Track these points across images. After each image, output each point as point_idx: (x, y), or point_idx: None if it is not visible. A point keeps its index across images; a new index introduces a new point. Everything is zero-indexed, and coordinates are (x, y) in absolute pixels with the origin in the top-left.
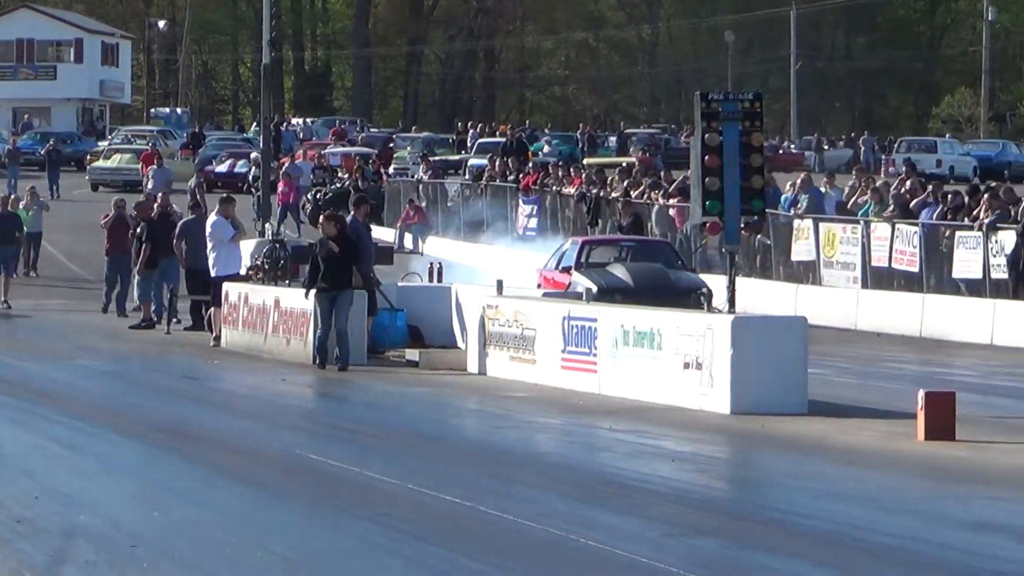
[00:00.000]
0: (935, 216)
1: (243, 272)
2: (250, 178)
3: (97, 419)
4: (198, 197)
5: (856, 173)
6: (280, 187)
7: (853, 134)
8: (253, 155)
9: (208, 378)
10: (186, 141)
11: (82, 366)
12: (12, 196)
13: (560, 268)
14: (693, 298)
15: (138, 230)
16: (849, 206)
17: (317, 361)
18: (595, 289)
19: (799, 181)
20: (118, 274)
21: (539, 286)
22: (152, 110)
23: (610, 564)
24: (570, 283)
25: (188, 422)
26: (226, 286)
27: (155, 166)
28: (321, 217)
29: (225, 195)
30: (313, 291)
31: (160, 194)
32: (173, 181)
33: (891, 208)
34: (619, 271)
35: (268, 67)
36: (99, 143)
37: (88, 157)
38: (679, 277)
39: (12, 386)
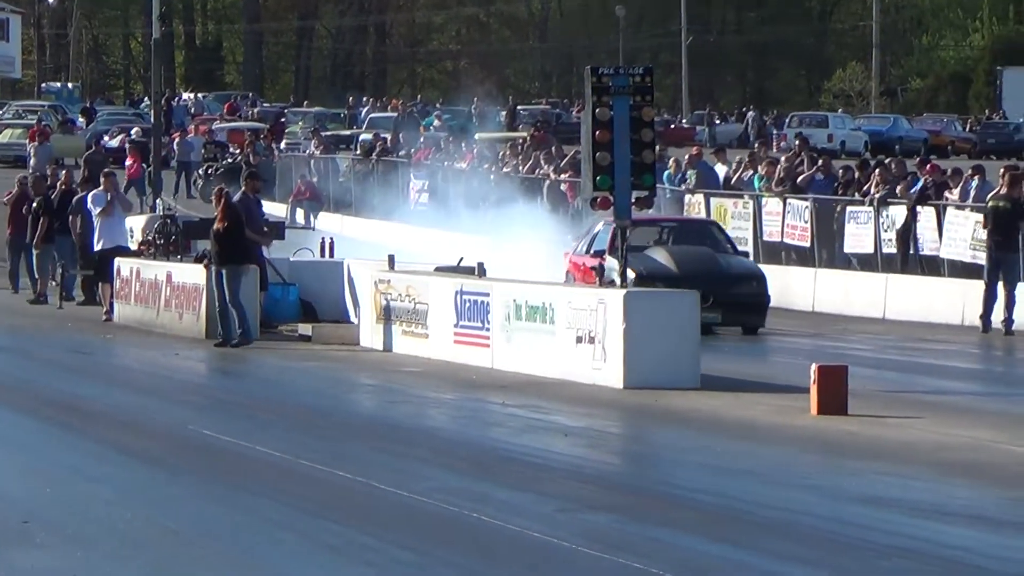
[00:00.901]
0: (828, 191)
1: (134, 247)
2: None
3: None
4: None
5: (758, 147)
6: (128, 161)
7: (745, 109)
8: (135, 130)
9: (101, 353)
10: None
11: None
12: None
13: (592, 252)
14: (748, 286)
15: (34, 205)
16: (733, 181)
17: (220, 335)
18: (634, 277)
19: (688, 156)
20: (21, 251)
21: (567, 273)
22: (43, 85)
23: (503, 539)
24: (602, 269)
25: (81, 397)
26: (118, 261)
27: (35, 143)
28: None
29: (107, 169)
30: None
31: (64, 170)
32: (55, 157)
33: (782, 183)
34: (660, 255)
35: (158, 41)
36: None
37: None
38: (730, 262)
39: None
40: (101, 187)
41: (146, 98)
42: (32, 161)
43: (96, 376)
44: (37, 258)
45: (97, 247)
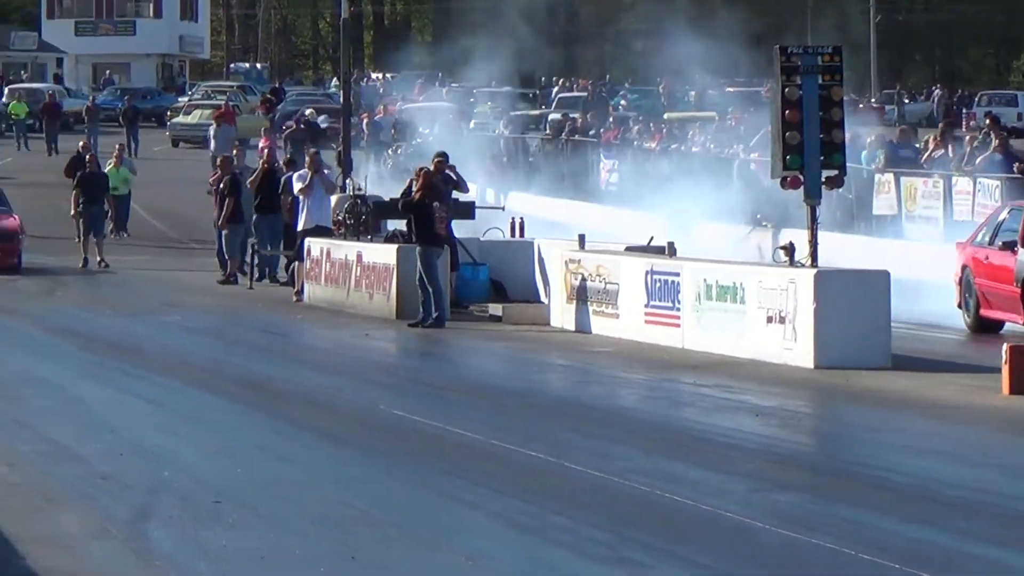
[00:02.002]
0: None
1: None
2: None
3: (181, 375)
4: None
5: (944, 126)
6: (262, 143)
7: (933, 88)
8: (308, 111)
9: (291, 333)
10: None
11: (166, 322)
12: (89, 155)
13: (999, 244)
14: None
15: (221, 185)
16: (923, 160)
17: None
18: None
19: (875, 136)
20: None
21: (964, 268)
22: (231, 65)
23: (695, 519)
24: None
25: (272, 378)
26: (308, 241)
27: (214, 125)
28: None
29: (313, 149)
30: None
31: (267, 150)
32: (237, 139)
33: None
34: None
35: (347, 21)
36: (179, 99)
37: (168, 113)
38: None
39: (96, 342)
40: (305, 166)
41: (335, 79)
42: (212, 143)
43: (287, 357)
44: (225, 238)
45: (300, 227)
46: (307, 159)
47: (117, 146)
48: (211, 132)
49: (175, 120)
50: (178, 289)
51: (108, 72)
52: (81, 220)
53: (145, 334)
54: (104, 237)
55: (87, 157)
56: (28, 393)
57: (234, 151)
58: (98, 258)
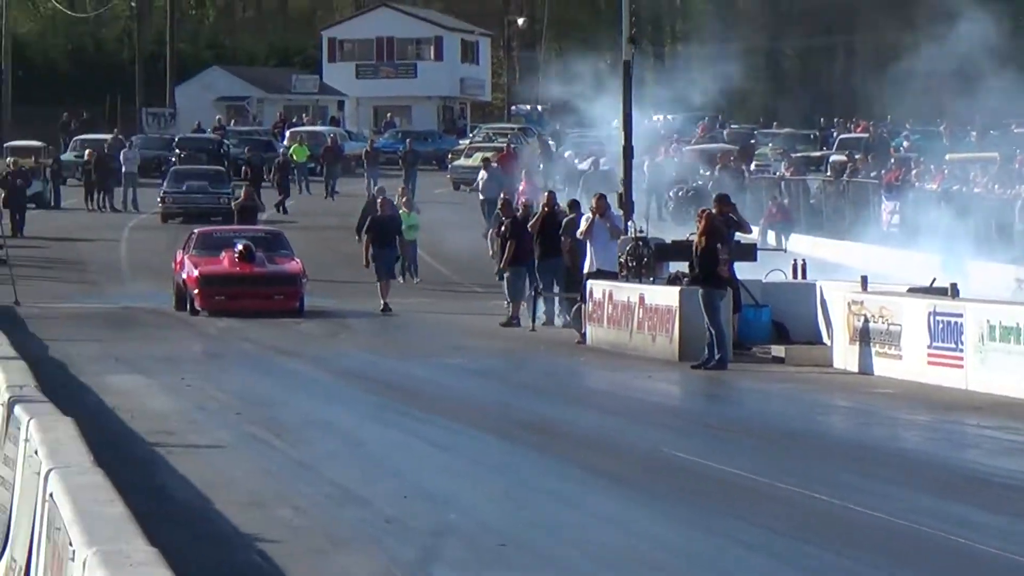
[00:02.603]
0: None
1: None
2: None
3: (464, 417)
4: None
5: None
6: (522, 186)
7: None
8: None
9: (574, 376)
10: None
11: (449, 365)
12: (381, 198)
13: None
14: None
15: (501, 228)
16: None
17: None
18: None
19: None
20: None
21: None
22: (512, 107)
23: (978, 561)
24: None
25: (555, 420)
26: (590, 283)
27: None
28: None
29: (599, 194)
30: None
31: (547, 192)
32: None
33: None
34: None
35: (628, 63)
36: (460, 141)
37: (449, 156)
38: None
39: (380, 385)
40: (592, 209)
41: (615, 120)
42: (480, 185)
43: (570, 399)
44: (507, 281)
45: (584, 269)
46: (592, 202)
47: (400, 188)
48: (480, 176)
49: (456, 163)
50: (461, 332)
51: (389, 115)
52: (374, 265)
53: (428, 377)
54: (390, 281)
55: (379, 200)
56: (312, 436)
57: (501, 194)
58: (383, 303)
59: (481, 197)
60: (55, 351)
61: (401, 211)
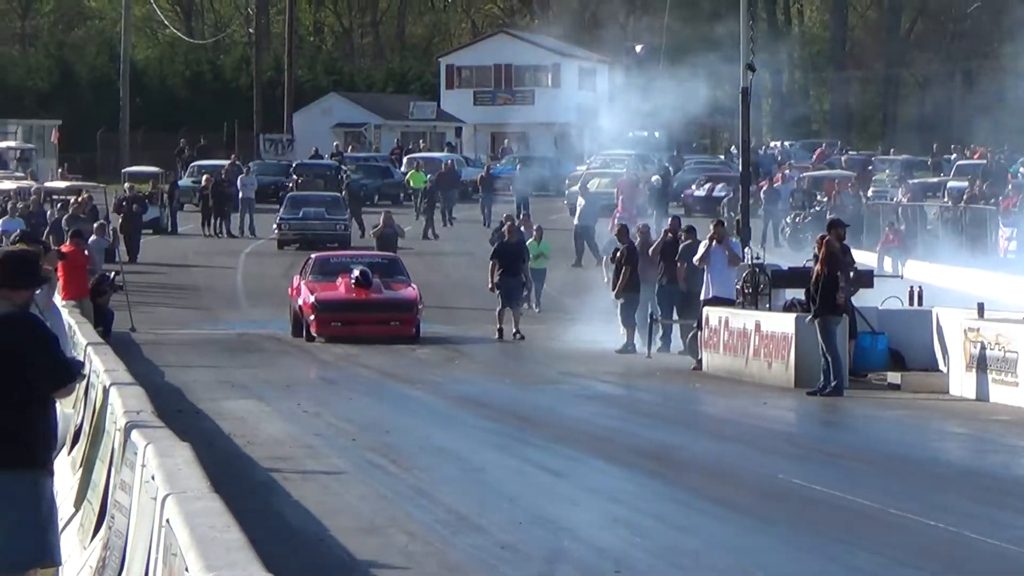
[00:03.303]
0: None
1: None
2: (724, 202)
3: (580, 444)
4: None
5: None
6: (617, 211)
7: None
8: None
9: (690, 402)
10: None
11: (564, 391)
12: (508, 224)
13: None
14: None
15: (617, 254)
16: None
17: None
18: None
19: None
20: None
21: None
22: (630, 133)
23: None
24: None
25: (669, 446)
26: (706, 310)
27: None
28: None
29: (718, 220)
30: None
31: (670, 218)
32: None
33: None
34: None
35: (746, 90)
36: (577, 167)
37: (566, 182)
38: None
39: (495, 411)
40: (709, 236)
41: (733, 147)
42: (577, 211)
43: (685, 425)
44: (621, 308)
45: (702, 296)
46: (711, 228)
47: (504, 215)
48: (577, 202)
49: (572, 189)
50: (576, 359)
51: (506, 141)
52: (499, 291)
53: (544, 403)
54: (520, 308)
55: (505, 227)
56: (427, 462)
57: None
58: (514, 329)
59: (576, 222)
60: (171, 377)
61: (530, 241)
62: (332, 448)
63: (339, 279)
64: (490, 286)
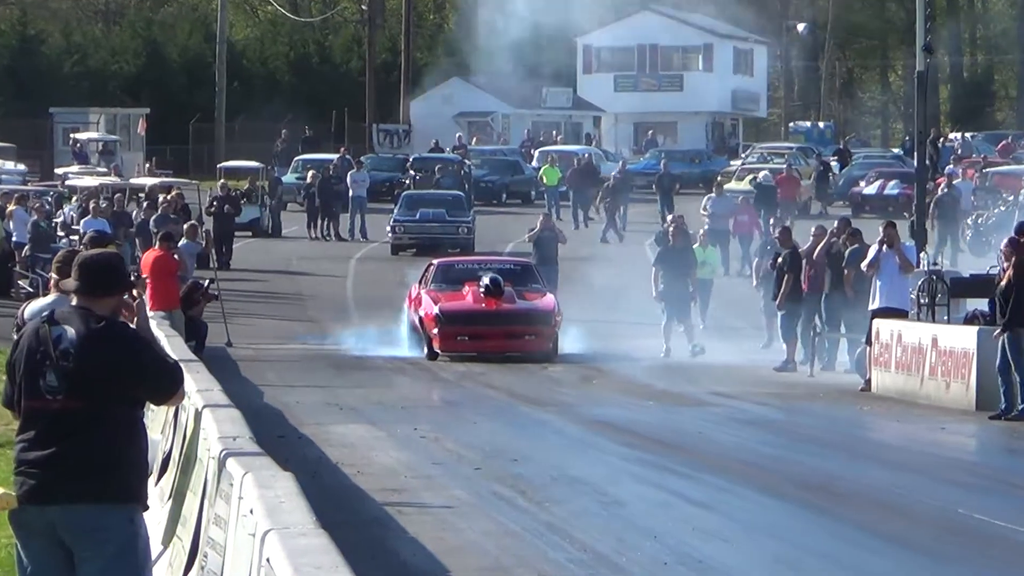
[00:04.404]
0: None
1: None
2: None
3: (732, 474)
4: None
5: None
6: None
7: None
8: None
9: (857, 427)
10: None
11: (716, 413)
12: (673, 227)
13: None
14: None
15: (778, 260)
16: None
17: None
18: None
19: None
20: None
21: None
22: (791, 124)
23: None
24: None
25: (833, 476)
26: (876, 323)
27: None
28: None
29: (887, 221)
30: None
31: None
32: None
33: None
34: None
35: (923, 75)
36: (731, 162)
37: (718, 179)
38: None
39: (637, 437)
40: (880, 239)
41: (906, 138)
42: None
43: (852, 453)
44: (782, 319)
45: (871, 306)
46: (880, 231)
47: (670, 217)
48: (704, 200)
49: (727, 187)
50: (730, 378)
51: (651, 132)
52: (663, 302)
53: (692, 427)
54: (690, 319)
55: (671, 229)
56: (560, 494)
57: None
58: (691, 343)
59: (706, 226)
60: (271, 398)
61: (695, 246)
62: (453, 478)
63: (466, 288)
64: (654, 295)
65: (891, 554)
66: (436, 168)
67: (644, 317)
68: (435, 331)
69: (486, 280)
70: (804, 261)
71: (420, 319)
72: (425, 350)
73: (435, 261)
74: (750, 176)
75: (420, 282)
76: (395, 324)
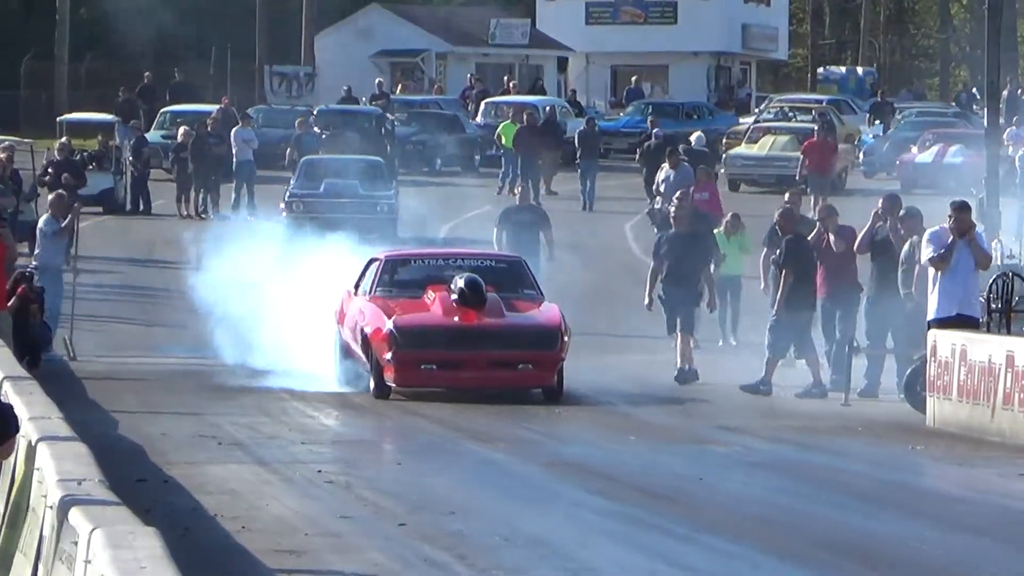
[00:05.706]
0: None
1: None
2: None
3: (743, 533)
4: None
5: None
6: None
7: None
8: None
9: (907, 471)
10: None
11: (718, 454)
12: (677, 203)
13: None
14: None
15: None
16: None
17: None
18: None
19: None
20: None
21: None
22: (820, 70)
23: None
24: None
25: (872, 538)
26: (934, 334)
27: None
28: None
29: (959, 201)
30: None
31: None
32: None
33: None
34: None
35: (995, 5)
36: (740, 120)
37: (724, 141)
38: None
39: (615, 484)
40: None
41: (964, 88)
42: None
43: (897, 506)
44: (769, 329)
45: (931, 314)
46: (950, 215)
47: (677, 193)
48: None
49: (734, 151)
50: (743, 406)
51: (635, 79)
52: (663, 308)
53: (687, 471)
54: (693, 333)
55: (672, 208)
56: (512, 560)
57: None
58: (685, 366)
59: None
60: (128, 429)
61: (717, 231)
62: (369, 537)
63: (430, 294)
64: (647, 301)
65: None
66: (346, 123)
67: (629, 329)
68: (388, 357)
69: (460, 283)
70: (816, 254)
71: (363, 339)
72: (372, 384)
73: (381, 255)
74: (769, 138)
75: (356, 284)
76: (306, 336)
